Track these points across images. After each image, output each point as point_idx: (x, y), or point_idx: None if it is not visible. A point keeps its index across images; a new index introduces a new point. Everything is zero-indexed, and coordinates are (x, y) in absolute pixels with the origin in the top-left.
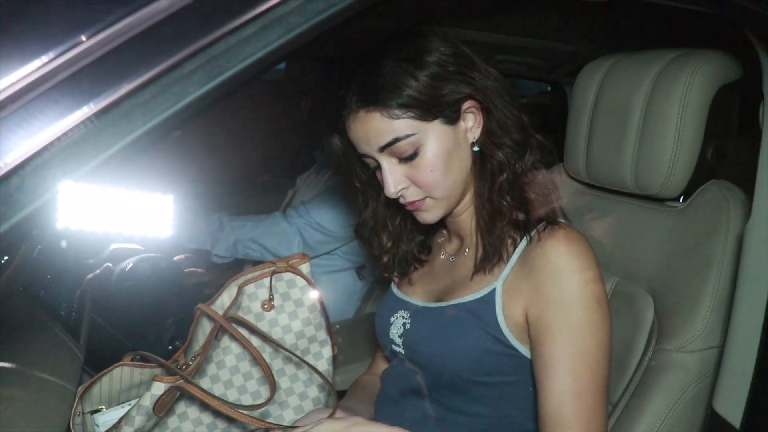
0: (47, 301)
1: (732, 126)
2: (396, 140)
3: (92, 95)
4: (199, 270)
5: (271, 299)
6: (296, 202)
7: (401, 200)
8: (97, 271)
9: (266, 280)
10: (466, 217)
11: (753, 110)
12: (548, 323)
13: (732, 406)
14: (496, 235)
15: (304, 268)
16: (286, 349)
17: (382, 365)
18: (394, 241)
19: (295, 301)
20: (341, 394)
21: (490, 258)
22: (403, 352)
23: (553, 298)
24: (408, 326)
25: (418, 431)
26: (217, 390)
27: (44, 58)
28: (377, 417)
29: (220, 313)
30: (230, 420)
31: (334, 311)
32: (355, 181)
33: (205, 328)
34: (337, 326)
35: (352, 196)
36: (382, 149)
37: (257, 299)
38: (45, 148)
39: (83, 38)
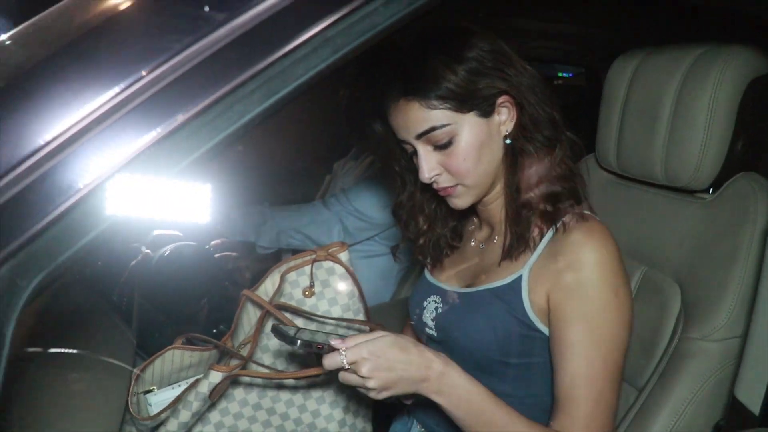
0: (101, 288)
1: (764, 119)
2: (432, 129)
3: (166, 116)
4: (233, 254)
5: (312, 286)
6: (334, 188)
7: (434, 185)
8: (139, 257)
9: (307, 268)
10: (496, 206)
11: None
12: (566, 311)
13: (752, 393)
14: (523, 226)
15: (343, 256)
16: (334, 319)
17: None
18: (429, 225)
19: (335, 288)
20: None
21: (517, 246)
22: (435, 334)
23: (572, 288)
24: (440, 310)
25: None
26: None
27: (122, 85)
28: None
29: (266, 299)
30: (275, 401)
31: (371, 295)
32: (395, 165)
33: (249, 313)
34: (373, 310)
35: (391, 179)
36: (419, 137)
37: (298, 286)
38: (125, 165)
39: (157, 65)
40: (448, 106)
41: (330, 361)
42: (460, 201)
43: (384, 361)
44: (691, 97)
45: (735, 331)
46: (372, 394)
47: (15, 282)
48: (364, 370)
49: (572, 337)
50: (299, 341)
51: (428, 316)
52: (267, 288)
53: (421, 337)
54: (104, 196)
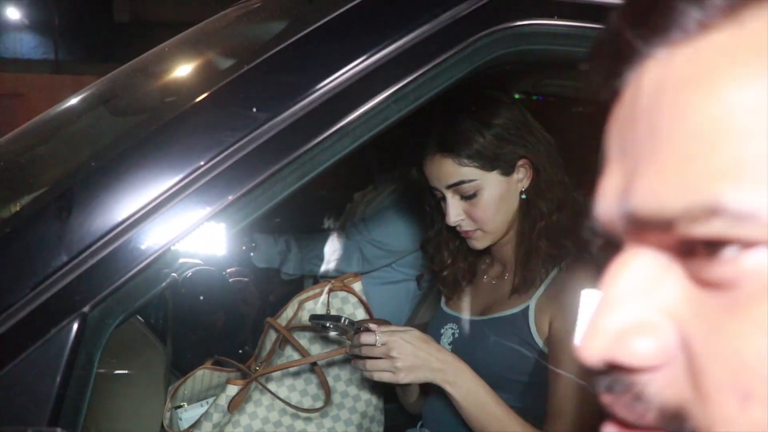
0: (141, 310)
1: None
2: (461, 182)
3: (219, 197)
4: (244, 279)
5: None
6: (354, 216)
7: (458, 228)
8: (168, 280)
9: (324, 297)
10: (509, 249)
11: None
12: (561, 335)
13: None
14: (530, 268)
15: (357, 286)
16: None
17: None
18: (453, 259)
19: (349, 316)
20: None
21: (524, 284)
22: None
23: (569, 316)
24: (457, 335)
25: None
26: (282, 393)
27: (187, 171)
28: (428, 405)
29: (284, 324)
30: (294, 418)
31: (387, 319)
32: (426, 206)
33: (272, 337)
34: None
35: (421, 217)
36: (449, 187)
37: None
38: (185, 234)
39: (213, 156)
40: (476, 164)
41: (366, 338)
42: (479, 243)
43: (411, 347)
44: None
45: None
46: (397, 376)
47: (104, 321)
48: (394, 350)
49: (565, 358)
50: (344, 318)
51: (446, 341)
52: (288, 314)
53: None
54: (171, 257)
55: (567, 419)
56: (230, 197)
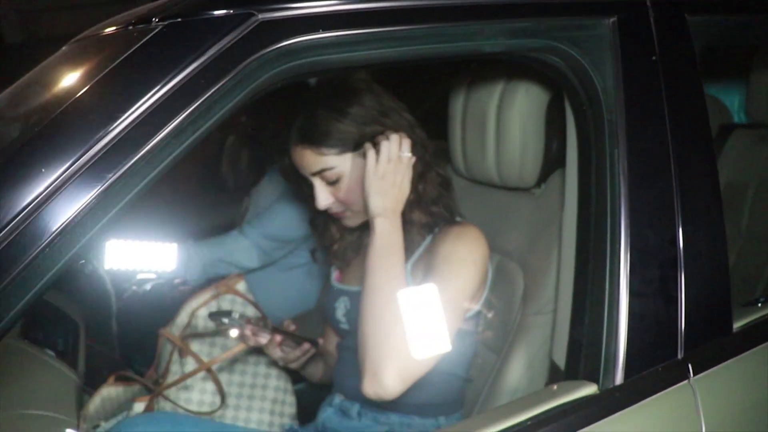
0: (46, 341)
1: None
2: (323, 170)
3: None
4: (188, 287)
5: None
6: (251, 212)
7: (329, 210)
8: (126, 295)
9: (213, 303)
10: None
11: None
12: (430, 277)
13: (559, 353)
14: (407, 238)
15: (240, 286)
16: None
17: (334, 338)
18: (341, 234)
19: (241, 315)
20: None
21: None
22: (347, 327)
23: (438, 268)
24: (349, 308)
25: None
26: (194, 396)
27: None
28: (337, 373)
29: (178, 333)
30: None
31: (296, 303)
32: (305, 189)
33: (168, 348)
34: (299, 318)
35: (304, 200)
36: (314, 174)
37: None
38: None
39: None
40: (335, 151)
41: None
42: (351, 222)
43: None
44: (507, 114)
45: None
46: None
47: None
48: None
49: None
50: (233, 312)
51: (340, 314)
52: (184, 321)
53: (336, 329)
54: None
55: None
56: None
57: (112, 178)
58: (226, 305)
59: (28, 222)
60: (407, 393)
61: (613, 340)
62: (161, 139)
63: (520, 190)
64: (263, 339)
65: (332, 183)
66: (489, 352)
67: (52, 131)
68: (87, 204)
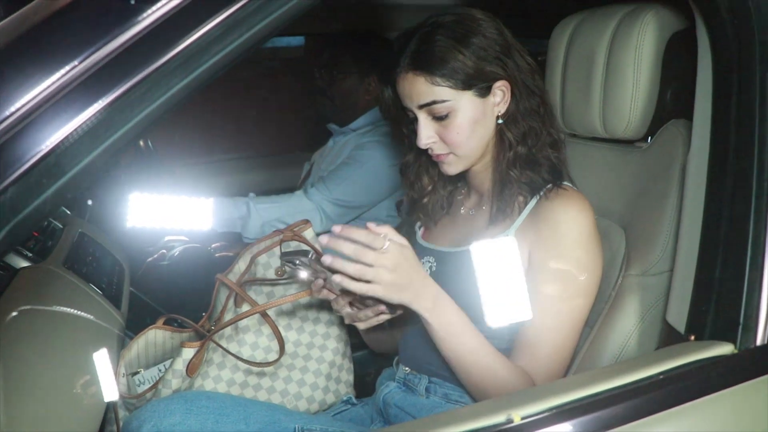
0: (90, 277)
1: (686, 71)
2: (434, 102)
3: (103, 92)
4: (230, 254)
5: (282, 265)
6: (314, 176)
7: (429, 151)
8: (155, 255)
9: (276, 249)
10: (485, 177)
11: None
12: (542, 265)
13: (679, 315)
14: (506, 198)
15: (308, 233)
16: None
17: None
18: (433, 186)
19: (316, 259)
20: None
21: (501, 215)
22: None
23: (549, 245)
24: (434, 269)
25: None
26: (245, 352)
27: (68, 67)
28: (405, 342)
29: (236, 279)
30: (260, 376)
31: None
32: (403, 128)
33: (223, 294)
34: None
35: (399, 140)
36: (421, 107)
37: (270, 267)
38: (71, 133)
39: (94, 51)
40: (450, 84)
41: (373, 239)
42: (451, 168)
43: (407, 264)
44: (619, 55)
45: (669, 264)
46: (386, 291)
47: None
48: (392, 262)
49: (545, 289)
50: (311, 253)
51: None
52: (241, 268)
53: None
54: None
55: (542, 352)
56: (117, 92)
57: (126, 84)
58: None
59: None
60: None
61: (755, 295)
62: (191, 44)
63: (624, 143)
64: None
65: (440, 119)
66: None
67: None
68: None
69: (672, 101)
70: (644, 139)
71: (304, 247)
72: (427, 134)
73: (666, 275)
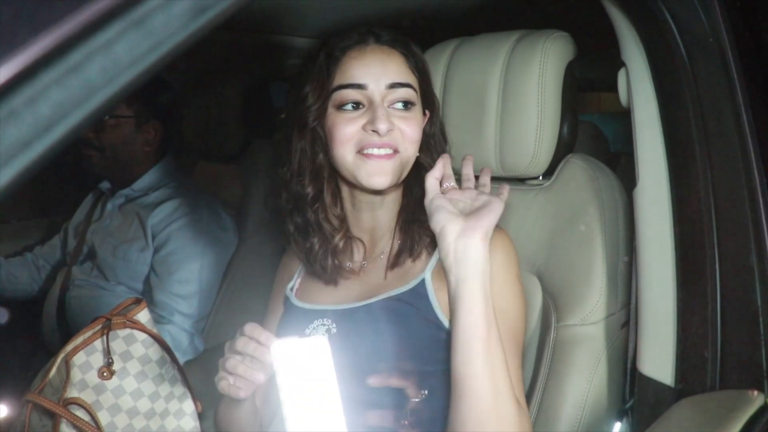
0: None
1: (575, 101)
2: (409, 85)
3: None
4: None
5: (109, 364)
6: (86, 250)
7: (379, 141)
8: None
9: (97, 343)
10: (391, 212)
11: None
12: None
13: (661, 366)
14: (416, 233)
15: (142, 316)
16: None
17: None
18: (341, 221)
19: (140, 359)
20: None
21: (409, 252)
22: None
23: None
24: (334, 331)
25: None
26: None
27: None
28: None
29: (58, 397)
30: None
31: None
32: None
33: (41, 422)
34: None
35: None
36: (393, 86)
37: (92, 368)
38: None
39: None
40: (416, 80)
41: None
42: (385, 178)
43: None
44: (518, 85)
45: (611, 308)
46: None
47: None
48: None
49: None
50: None
51: None
52: (55, 382)
53: None
54: None
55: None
56: None
57: None
58: (119, 345)
59: None
60: None
61: None
62: None
63: (519, 181)
64: None
65: (401, 108)
66: None
67: None
68: None
69: (569, 134)
70: (547, 175)
71: (132, 342)
72: (386, 118)
73: (610, 320)
